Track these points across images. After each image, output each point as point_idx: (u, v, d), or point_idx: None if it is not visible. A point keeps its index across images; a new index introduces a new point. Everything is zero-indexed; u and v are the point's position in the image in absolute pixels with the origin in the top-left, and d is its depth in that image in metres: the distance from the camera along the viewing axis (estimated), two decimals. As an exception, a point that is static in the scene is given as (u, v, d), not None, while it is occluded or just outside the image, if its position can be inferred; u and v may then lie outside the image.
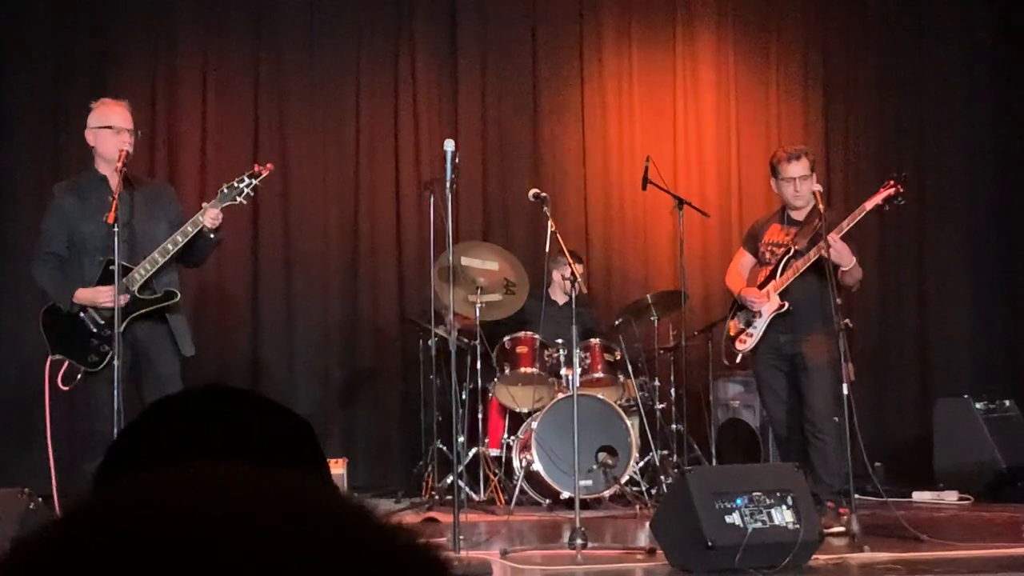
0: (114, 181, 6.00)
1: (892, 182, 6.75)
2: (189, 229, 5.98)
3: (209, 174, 9.13)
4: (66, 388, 5.93)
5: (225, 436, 1.12)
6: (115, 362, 5.63)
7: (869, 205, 6.73)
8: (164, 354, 6.07)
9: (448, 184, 5.75)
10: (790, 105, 10.05)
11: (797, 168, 6.86)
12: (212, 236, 6.05)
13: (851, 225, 6.64)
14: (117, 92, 8.37)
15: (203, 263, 6.56)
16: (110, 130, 6.10)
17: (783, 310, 6.82)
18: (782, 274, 6.86)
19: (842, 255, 6.56)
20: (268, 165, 6.24)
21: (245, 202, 6.22)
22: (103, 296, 5.87)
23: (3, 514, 4.83)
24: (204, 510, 0.65)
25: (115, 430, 5.49)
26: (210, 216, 5.96)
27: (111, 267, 5.81)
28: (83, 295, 5.95)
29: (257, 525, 0.65)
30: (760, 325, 6.91)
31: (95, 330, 5.95)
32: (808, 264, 6.70)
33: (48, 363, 5.98)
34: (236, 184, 6.11)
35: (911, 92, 10.11)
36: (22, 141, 9.03)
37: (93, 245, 5.96)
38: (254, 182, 6.13)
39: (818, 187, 6.72)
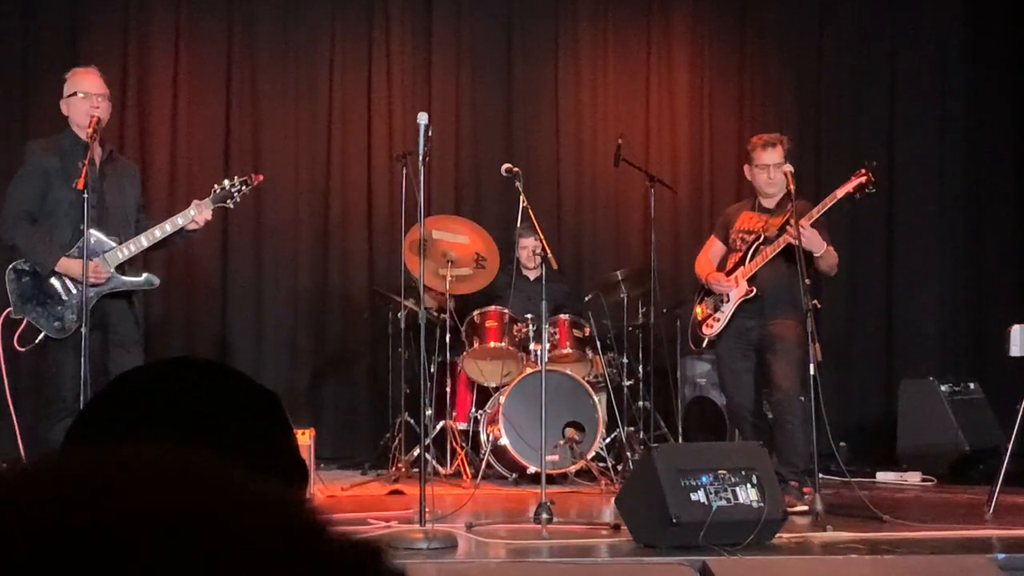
0: (92, 148, 5.99)
1: (863, 171, 6.75)
2: (179, 221, 6.05)
3: (179, 144, 9.10)
4: (22, 349, 5.89)
5: (192, 409, 1.12)
6: (83, 330, 5.61)
7: (840, 193, 6.71)
8: (126, 323, 6.08)
9: (421, 157, 5.73)
10: (763, 86, 10.06)
11: (771, 156, 6.86)
12: (191, 233, 6.14)
13: (821, 213, 6.65)
14: (88, 58, 8.34)
15: (160, 249, 6.60)
16: (80, 96, 6.08)
17: (751, 295, 6.84)
18: (751, 260, 6.87)
19: (812, 242, 6.57)
20: (259, 176, 6.34)
21: (232, 206, 6.28)
22: (89, 270, 5.84)
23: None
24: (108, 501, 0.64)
25: (80, 399, 5.49)
26: (206, 216, 6.04)
27: (91, 240, 5.83)
28: (67, 265, 5.90)
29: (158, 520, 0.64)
30: (728, 309, 6.92)
31: (65, 297, 5.92)
32: (777, 250, 6.71)
33: (0, 320, 5.92)
34: (228, 187, 6.15)
35: (883, 77, 10.13)
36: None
37: (63, 211, 5.93)
38: (244, 189, 6.18)
39: (790, 167, 6.71)
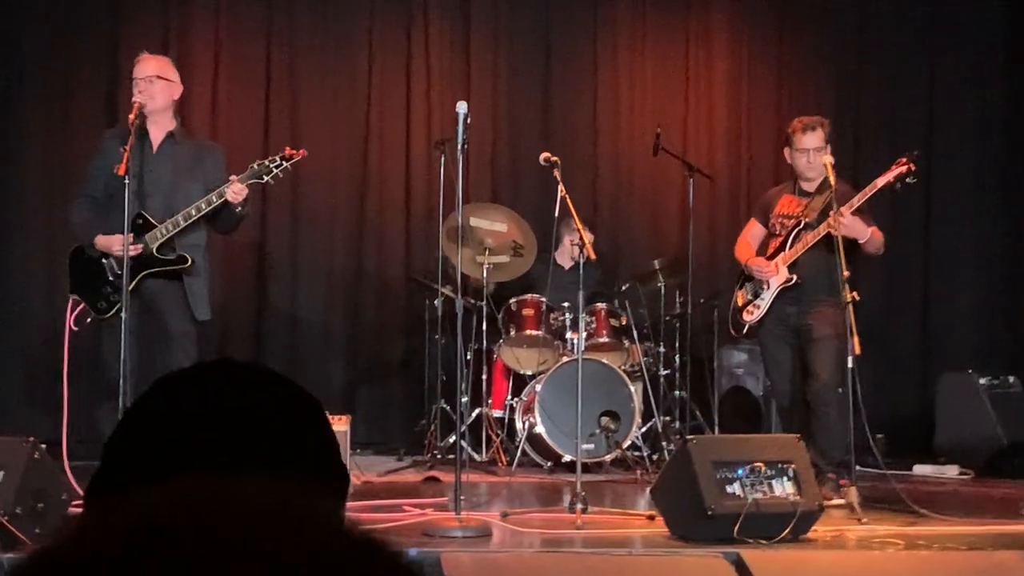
0: (153, 132, 6.10)
1: (904, 160, 6.70)
2: (213, 199, 6.03)
3: (219, 130, 9.13)
4: (76, 329, 6.01)
5: (233, 416, 1.12)
6: (123, 314, 5.66)
7: (881, 182, 6.67)
8: (175, 312, 6.11)
9: (460, 146, 5.73)
10: (802, 74, 9.99)
11: (812, 139, 6.82)
12: (238, 210, 6.09)
13: (862, 201, 6.61)
14: (129, 43, 8.41)
15: (231, 232, 6.58)
16: (135, 83, 6.19)
17: (791, 283, 6.81)
18: (791, 246, 6.84)
19: (855, 229, 6.54)
20: (302, 151, 6.25)
21: (272, 182, 6.23)
22: (118, 244, 5.92)
23: (7, 463, 4.85)
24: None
25: (121, 381, 5.55)
26: (234, 190, 6.00)
27: (139, 220, 5.89)
28: (100, 241, 6.03)
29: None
30: (767, 296, 6.90)
31: (111, 278, 6.03)
32: (818, 238, 6.67)
33: (70, 302, 6.07)
34: (267, 163, 6.12)
35: (922, 66, 10.05)
36: (35, 92, 9.04)
37: (121, 194, 5.96)
38: (285, 164, 6.13)
39: (830, 159, 6.67)
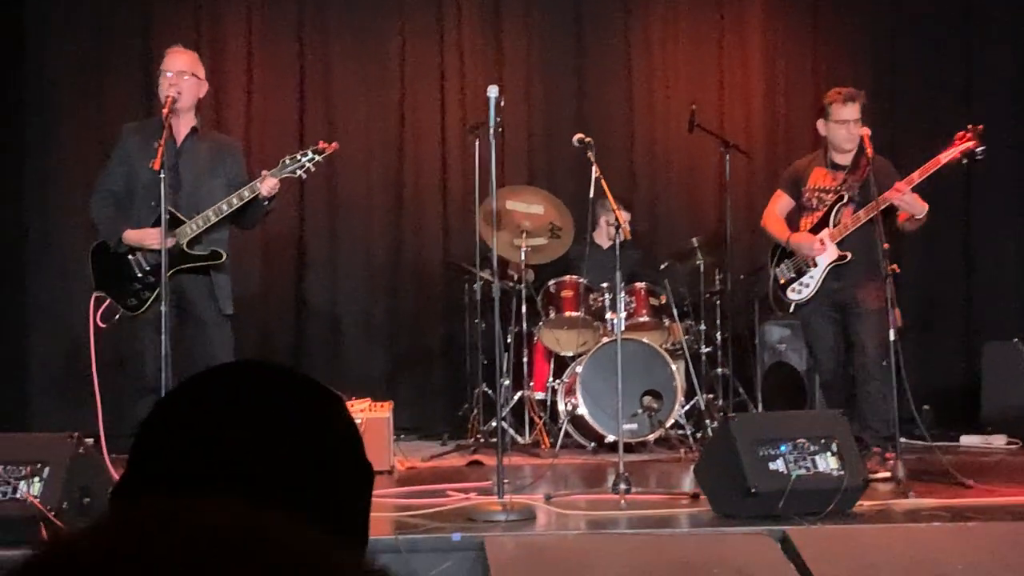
0: (178, 129, 6.14)
1: (968, 135, 6.58)
2: (246, 194, 6.03)
3: (254, 119, 9.17)
4: (104, 326, 6.03)
5: (255, 416, 1.13)
6: (162, 307, 5.67)
7: (944, 158, 6.55)
8: (205, 304, 6.13)
9: (492, 130, 5.70)
10: (837, 50, 9.89)
11: (851, 111, 6.73)
12: (266, 203, 6.09)
13: (923, 177, 6.52)
14: (161, 34, 8.44)
15: (254, 227, 6.59)
16: (163, 76, 6.19)
17: (844, 261, 6.70)
18: (835, 222, 6.73)
19: (915, 205, 6.48)
20: (333, 144, 6.22)
21: (305, 176, 6.22)
22: (151, 238, 5.94)
23: (52, 459, 4.89)
24: None
25: (162, 376, 5.58)
26: (268, 185, 6.01)
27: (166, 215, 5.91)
28: (132, 236, 6.04)
29: None
30: (817, 275, 6.75)
31: (139, 274, 6.04)
32: (871, 214, 6.54)
33: (92, 299, 6.08)
34: (299, 157, 6.11)
35: (958, 36, 9.92)
36: (69, 89, 9.10)
37: (147, 190, 6.00)
38: (317, 158, 6.13)
39: (866, 130, 6.58)
